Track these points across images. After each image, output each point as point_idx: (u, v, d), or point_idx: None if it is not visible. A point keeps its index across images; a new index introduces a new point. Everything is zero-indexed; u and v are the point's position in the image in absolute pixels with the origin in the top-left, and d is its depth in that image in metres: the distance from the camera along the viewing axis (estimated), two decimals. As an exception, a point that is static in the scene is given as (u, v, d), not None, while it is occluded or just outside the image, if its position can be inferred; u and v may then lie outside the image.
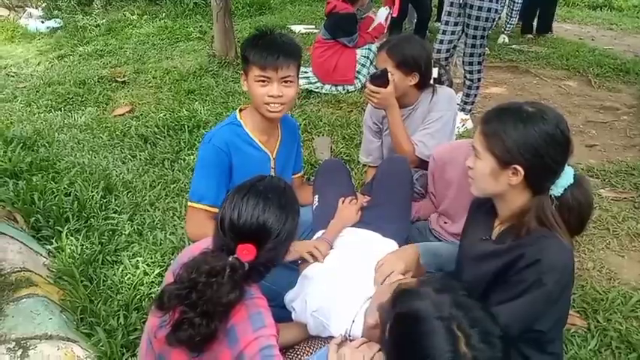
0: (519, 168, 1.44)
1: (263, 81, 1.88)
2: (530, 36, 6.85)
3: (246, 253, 1.28)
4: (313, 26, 7.03)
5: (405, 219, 2.17)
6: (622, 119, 4.30)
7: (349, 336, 1.57)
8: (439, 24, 6.73)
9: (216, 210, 1.88)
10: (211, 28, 6.58)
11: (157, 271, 2.36)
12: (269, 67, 1.85)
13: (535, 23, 6.96)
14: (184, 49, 6.20)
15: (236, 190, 1.39)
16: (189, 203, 2.00)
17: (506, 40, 6.57)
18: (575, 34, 7.43)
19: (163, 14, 7.64)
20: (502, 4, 3.51)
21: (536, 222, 1.47)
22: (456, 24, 3.58)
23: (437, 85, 2.43)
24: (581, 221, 1.54)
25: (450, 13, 3.58)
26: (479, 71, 3.74)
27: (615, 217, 2.83)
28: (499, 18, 6.63)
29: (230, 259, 1.26)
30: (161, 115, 4.13)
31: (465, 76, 3.85)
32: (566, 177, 1.48)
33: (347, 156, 3.47)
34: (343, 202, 2.09)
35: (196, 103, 4.41)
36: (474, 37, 3.52)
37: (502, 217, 1.59)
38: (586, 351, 2.01)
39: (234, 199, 1.34)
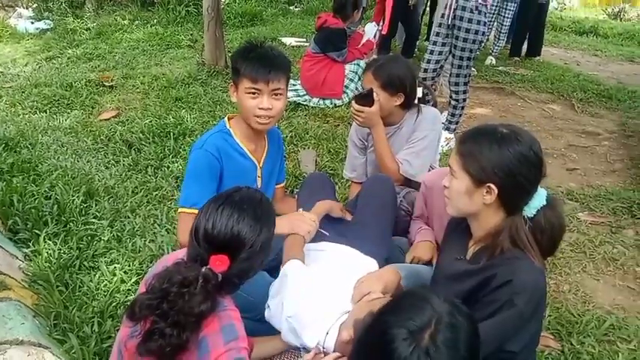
0: (493, 187, 1.47)
1: (254, 93, 1.90)
2: (517, 58, 6.97)
3: (219, 263, 1.28)
4: (304, 39, 7.08)
5: (387, 240, 2.18)
6: (603, 144, 4.38)
7: (323, 348, 1.58)
8: (428, 43, 6.89)
9: None
10: (202, 37, 6.61)
11: (134, 279, 2.34)
12: (260, 79, 1.87)
13: (525, 47, 7.09)
14: (174, 56, 6.20)
15: (212, 200, 1.40)
16: (180, 209, 1.97)
17: (494, 61, 6.68)
18: (560, 59, 7.58)
19: (155, 20, 7.64)
20: (489, 27, 3.59)
21: (510, 242, 1.50)
22: (443, 44, 3.64)
23: (422, 104, 2.46)
24: (554, 243, 1.58)
25: (438, 34, 3.63)
26: (464, 92, 3.80)
27: (592, 240, 2.87)
28: (487, 40, 6.78)
29: (203, 269, 1.26)
30: (147, 121, 4.11)
31: (451, 96, 3.90)
32: (539, 198, 1.52)
33: (332, 170, 3.48)
34: None
35: (183, 110, 4.40)
36: (461, 57, 3.58)
37: (476, 237, 1.62)
38: (560, 373, 2.04)
39: (209, 210, 1.35)
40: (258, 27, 7.90)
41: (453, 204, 1.60)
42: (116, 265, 2.44)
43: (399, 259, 2.22)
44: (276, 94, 1.92)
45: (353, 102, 2.38)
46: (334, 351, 1.56)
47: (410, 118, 2.42)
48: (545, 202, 1.52)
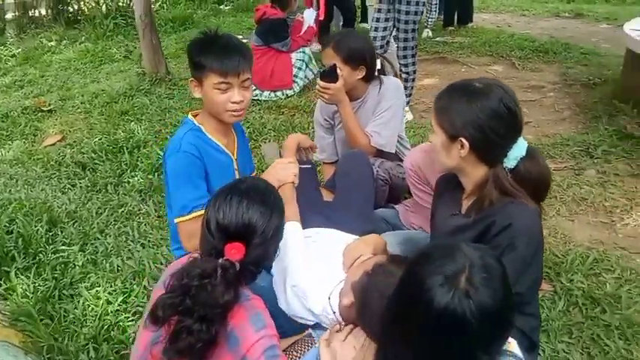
0: (464, 141, 1.50)
1: (224, 88, 1.80)
2: (451, 28, 7.12)
3: (234, 252, 1.26)
4: (241, 36, 6.97)
5: (370, 213, 2.20)
6: (549, 96, 4.54)
7: (334, 312, 1.57)
8: (364, 24, 6.94)
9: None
10: (136, 47, 6.43)
11: (120, 299, 2.25)
12: (231, 73, 1.78)
13: (456, 15, 7.25)
14: (110, 70, 5.98)
15: (218, 192, 1.39)
16: (176, 220, 1.83)
17: (430, 34, 6.79)
18: (492, 23, 7.79)
19: (83, 38, 7.33)
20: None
21: (498, 192, 1.53)
22: (387, 19, 3.67)
23: (383, 76, 2.47)
24: (537, 191, 1.60)
25: (380, 10, 3.67)
26: (413, 64, 3.86)
27: (560, 185, 2.98)
28: (421, 14, 6.92)
29: (220, 260, 1.24)
30: (96, 139, 3.96)
31: (401, 70, 3.94)
32: (518, 149, 1.54)
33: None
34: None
35: (132, 123, 4.26)
36: (406, 30, 3.63)
37: (468, 191, 1.64)
38: (556, 312, 2.11)
39: (217, 201, 1.34)
40: (191, 30, 7.71)
41: (437, 159, 1.63)
42: (97, 288, 2.34)
43: (384, 231, 2.23)
44: (245, 85, 1.85)
45: (318, 80, 2.36)
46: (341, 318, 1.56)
47: (373, 91, 2.43)
48: (524, 154, 1.55)
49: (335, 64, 2.30)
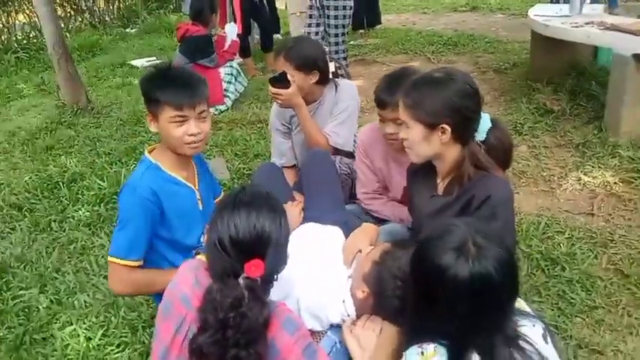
0: (446, 126, 1.61)
1: (180, 121, 1.77)
2: (361, 31, 7.39)
3: (254, 269, 1.26)
4: (154, 57, 6.86)
5: (341, 205, 2.26)
6: (467, 84, 4.86)
7: (348, 315, 1.62)
8: (278, 35, 7.05)
9: (141, 263, 1.80)
10: (44, 79, 6.11)
11: (100, 332, 2.17)
12: (186, 106, 1.75)
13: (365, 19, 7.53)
14: (22, 106, 5.61)
15: (221, 208, 1.36)
16: (111, 258, 1.79)
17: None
18: (398, 22, 8.19)
19: (-17, 77, 6.85)
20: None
21: (473, 167, 1.66)
22: (318, 24, 3.84)
23: (337, 78, 2.57)
24: (506, 156, 1.80)
25: (311, 16, 3.83)
26: (346, 66, 4.03)
27: (499, 162, 3.21)
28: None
29: (242, 281, 1.24)
30: (26, 178, 3.73)
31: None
32: (485, 122, 1.70)
33: (247, 170, 3.47)
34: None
35: (62, 157, 4.05)
36: (336, 34, 3.84)
37: (442, 173, 1.75)
38: (522, 275, 2.28)
39: (224, 217, 1.31)
40: (101, 56, 7.44)
41: (414, 152, 1.71)
42: (70, 327, 2.23)
43: (356, 224, 2.32)
44: (202, 116, 1.81)
45: (270, 86, 2.40)
46: (357, 313, 1.62)
47: (329, 93, 2.52)
48: (490, 124, 1.70)
49: (284, 71, 2.36)
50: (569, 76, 4.09)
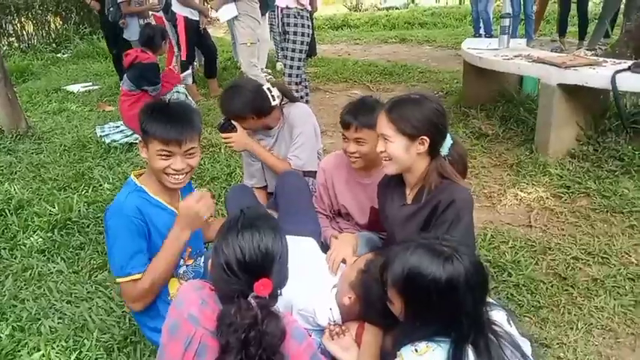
0: (425, 137, 1.82)
1: (166, 155, 1.80)
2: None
3: (263, 288, 1.32)
4: (90, 83, 6.75)
5: (314, 218, 2.40)
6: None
7: (333, 321, 1.76)
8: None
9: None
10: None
11: (73, 356, 2.14)
12: (172, 142, 1.77)
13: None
14: (-47, 134, 5.34)
15: (224, 233, 1.40)
16: (118, 280, 1.83)
17: (282, 66, 7.25)
18: (333, 52, 8.56)
19: None
20: (309, 27, 4.13)
21: (438, 177, 1.87)
22: (282, 49, 4.09)
23: (289, 103, 2.71)
24: (464, 167, 2.09)
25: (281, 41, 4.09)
26: (305, 87, 4.31)
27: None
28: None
29: (253, 301, 1.31)
30: (-31, 207, 3.57)
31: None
32: (448, 139, 1.93)
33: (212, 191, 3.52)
34: None
35: (5, 184, 3.92)
36: (292, 58, 4.16)
37: (411, 183, 1.96)
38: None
39: (229, 241, 1.36)
40: (33, 81, 7.23)
41: (393, 162, 1.88)
42: (43, 351, 2.19)
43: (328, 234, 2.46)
44: (190, 153, 1.83)
45: (220, 134, 2.56)
46: (342, 318, 1.76)
47: (285, 116, 2.68)
48: (452, 141, 1.94)
49: (227, 118, 2.51)
50: (498, 102, 4.50)
